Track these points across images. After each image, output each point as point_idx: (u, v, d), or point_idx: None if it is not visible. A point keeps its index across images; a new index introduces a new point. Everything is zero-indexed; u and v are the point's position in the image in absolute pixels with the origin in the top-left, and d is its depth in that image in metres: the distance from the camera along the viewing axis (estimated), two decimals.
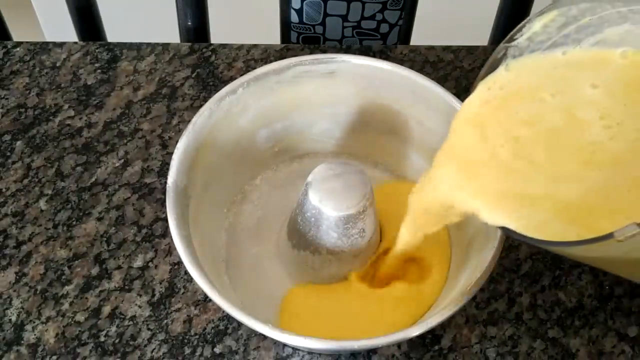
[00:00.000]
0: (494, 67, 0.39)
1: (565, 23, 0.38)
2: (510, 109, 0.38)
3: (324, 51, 0.61)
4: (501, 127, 0.37)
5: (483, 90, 0.39)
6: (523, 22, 0.38)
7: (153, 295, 0.46)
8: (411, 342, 0.44)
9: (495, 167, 0.36)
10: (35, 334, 0.44)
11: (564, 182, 0.35)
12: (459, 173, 0.37)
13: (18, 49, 0.59)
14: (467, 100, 0.39)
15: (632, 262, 0.33)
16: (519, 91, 0.38)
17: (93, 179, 0.51)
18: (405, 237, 0.41)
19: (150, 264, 0.47)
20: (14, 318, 0.45)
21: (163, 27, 0.76)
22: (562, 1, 0.37)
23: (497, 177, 0.36)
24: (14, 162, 0.52)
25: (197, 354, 0.43)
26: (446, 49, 0.59)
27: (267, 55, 0.59)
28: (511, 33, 0.38)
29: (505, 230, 0.34)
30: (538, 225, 0.34)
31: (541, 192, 0.35)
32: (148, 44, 0.59)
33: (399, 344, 0.44)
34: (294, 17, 0.69)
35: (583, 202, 0.34)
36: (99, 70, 0.58)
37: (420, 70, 0.54)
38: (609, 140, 0.35)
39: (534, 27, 0.38)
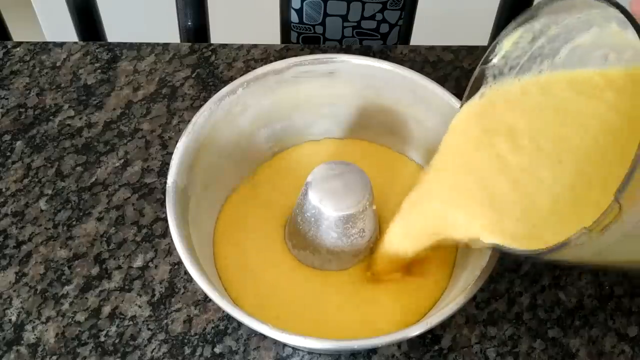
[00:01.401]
0: (475, 89, 0.40)
1: (533, 38, 0.37)
2: (487, 134, 0.38)
3: (324, 51, 0.60)
4: (479, 152, 0.38)
5: (467, 113, 0.40)
6: (493, 43, 0.38)
7: (153, 295, 0.46)
8: (411, 342, 0.44)
9: (478, 189, 0.37)
10: (35, 334, 0.44)
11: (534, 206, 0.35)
12: (448, 195, 0.38)
13: (18, 49, 0.59)
14: (453, 122, 0.40)
15: (614, 262, 0.34)
16: (494, 118, 0.39)
17: (93, 179, 0.51)
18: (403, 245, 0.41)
19: (150, 264, 0.47)
20: (14, 318, 0.45)
21: (163, 27, 0.76)
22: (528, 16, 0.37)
23: (481, 197, 0.37)
24: (14, 162, 0.52)
25: (197, 354, 0.43)
26: (446, 49, 0.59)
27: (267, 55, 0.59)
28: (485, 54, 0.39)
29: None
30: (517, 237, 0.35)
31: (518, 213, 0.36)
32: (148, 44, 0.59)
33: (399, 344, 0.44)
34: (294, 17, 0.69)
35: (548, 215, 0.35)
36: (99, 70, 0.58)
37: (420, 70, 0.54)
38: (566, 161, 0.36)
39: (504, 46, 0.38)
